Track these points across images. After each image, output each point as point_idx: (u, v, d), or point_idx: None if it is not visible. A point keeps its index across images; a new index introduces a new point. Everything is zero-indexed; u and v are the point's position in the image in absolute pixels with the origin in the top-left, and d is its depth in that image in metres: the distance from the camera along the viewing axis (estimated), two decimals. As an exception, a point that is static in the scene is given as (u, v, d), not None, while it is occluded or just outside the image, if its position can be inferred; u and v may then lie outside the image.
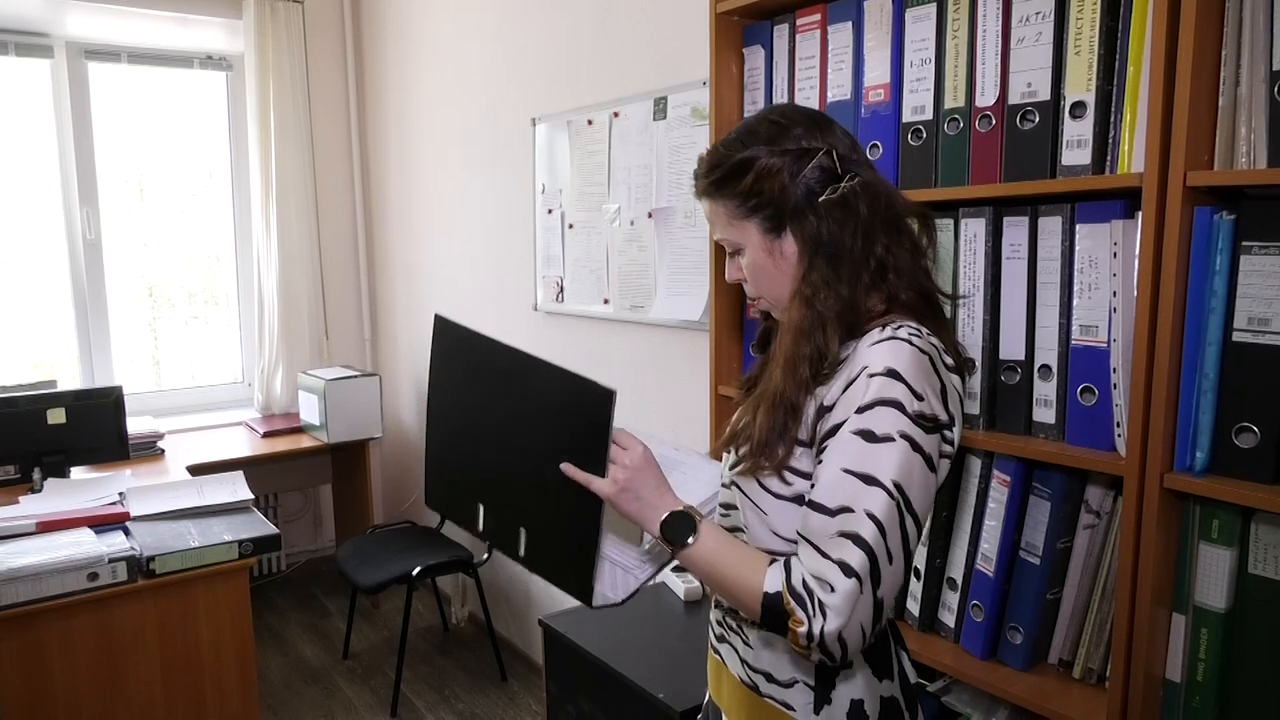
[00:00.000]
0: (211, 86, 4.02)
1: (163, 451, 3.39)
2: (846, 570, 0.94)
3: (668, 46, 2.42)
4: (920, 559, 1.46)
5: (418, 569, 3.03)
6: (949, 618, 1.43)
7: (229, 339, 4.20)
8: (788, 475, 1.06)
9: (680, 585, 2.39)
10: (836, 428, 1.00)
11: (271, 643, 3.54)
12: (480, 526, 1.25)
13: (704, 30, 1.74)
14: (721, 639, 1.21)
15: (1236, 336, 1.09)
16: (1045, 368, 1.29)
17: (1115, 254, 1.20)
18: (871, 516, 0.95)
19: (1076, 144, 1.24)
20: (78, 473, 3.04)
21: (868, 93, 1.51)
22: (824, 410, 1.02)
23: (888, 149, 1.48)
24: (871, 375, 0.99)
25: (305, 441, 3.69)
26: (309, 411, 3.72)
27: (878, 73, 1.49)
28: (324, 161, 4.15)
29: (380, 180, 4.16)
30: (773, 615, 0.98)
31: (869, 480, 0.96)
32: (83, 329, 3.79)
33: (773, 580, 0.99)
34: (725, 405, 1.77)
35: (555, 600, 3.14)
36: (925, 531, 1.34)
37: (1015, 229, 1.31)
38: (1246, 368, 1.08)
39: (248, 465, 3.14)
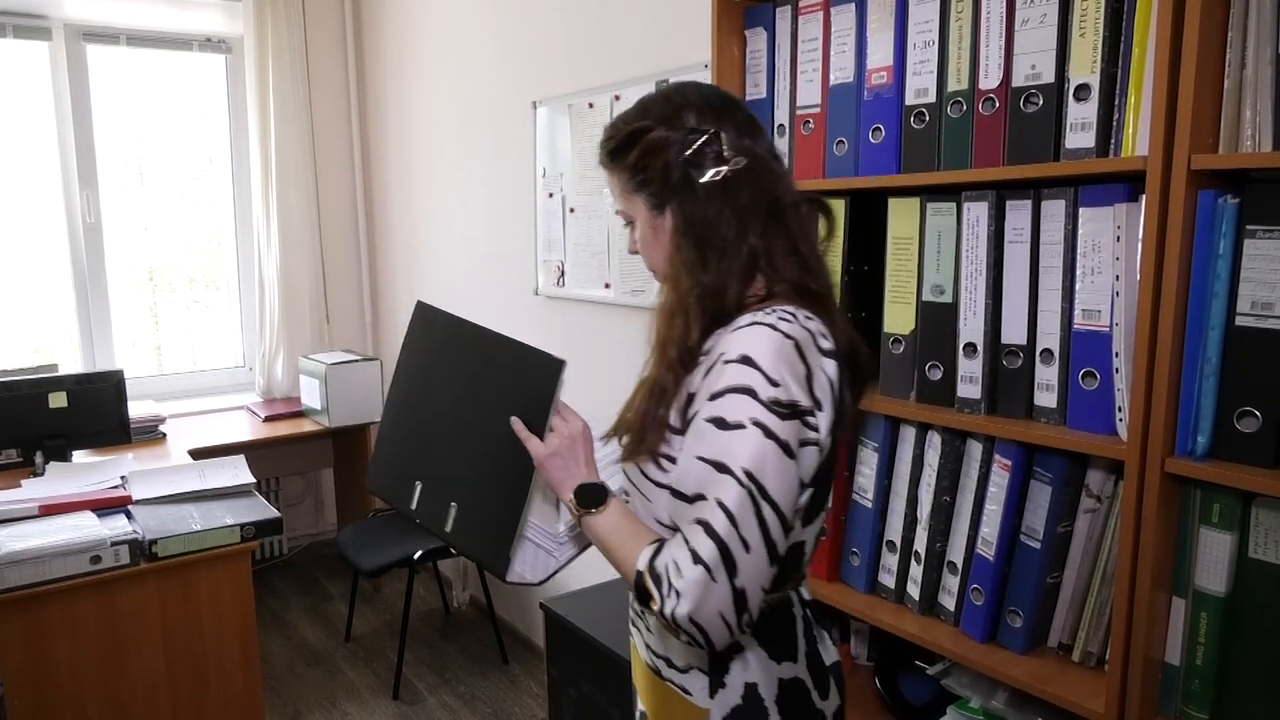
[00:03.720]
0: (211, 69, 4.00)
1: (164, 435, 3.40)
2: (695, 558, 0.95)
3: (669, 29, 2.40)
4: (920, 543, 1.47)
5: (419, 552, 3.04)
6: (949, 601, 1.44)
7: (230, 323, 4.20)
8: (663, 462, 1.06)
9: (681, 569, 2.39)
10: (695, 415, 1.00)
11: (274, 626, 3.56)
12: (413, 504, 1.27)
13: (706, 12, 1.73)
14: (633, 623, 1.23)
15: (1239, 321, 1.08)
16: (1047, 352, 1.29)
17: (1118, 238, 1.20)
18: (722, 505, 0.95)
19: (1080, 127, 1.24)
20: (79, 456, 3.04)
21: (870, 75, 1.50)
22: (690, 398, 1.02)
23: (890, 132, 1.47)
24: (726, 362, 0.99)
25: (306, 425, 3.69)
26: (310, 396, 3.72)
27: (881, 55, 1.48)
28: (324, 145, 4.14)
29: (380, 164, 4.14)
30: (640, 593, 1.00)
31: (720, 468, 0.96)
32: (83, 313, 3.79)
33: (643, 559, 1.00)
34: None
35: (557, 584, 3.14)
36: (929, 518, 1.42)
37: (1018, 212, 1.31)
38: (1249, 352, 1.08)
39: (249, 449, 3.15)
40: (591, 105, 2.68)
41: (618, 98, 2.58)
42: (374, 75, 4.10)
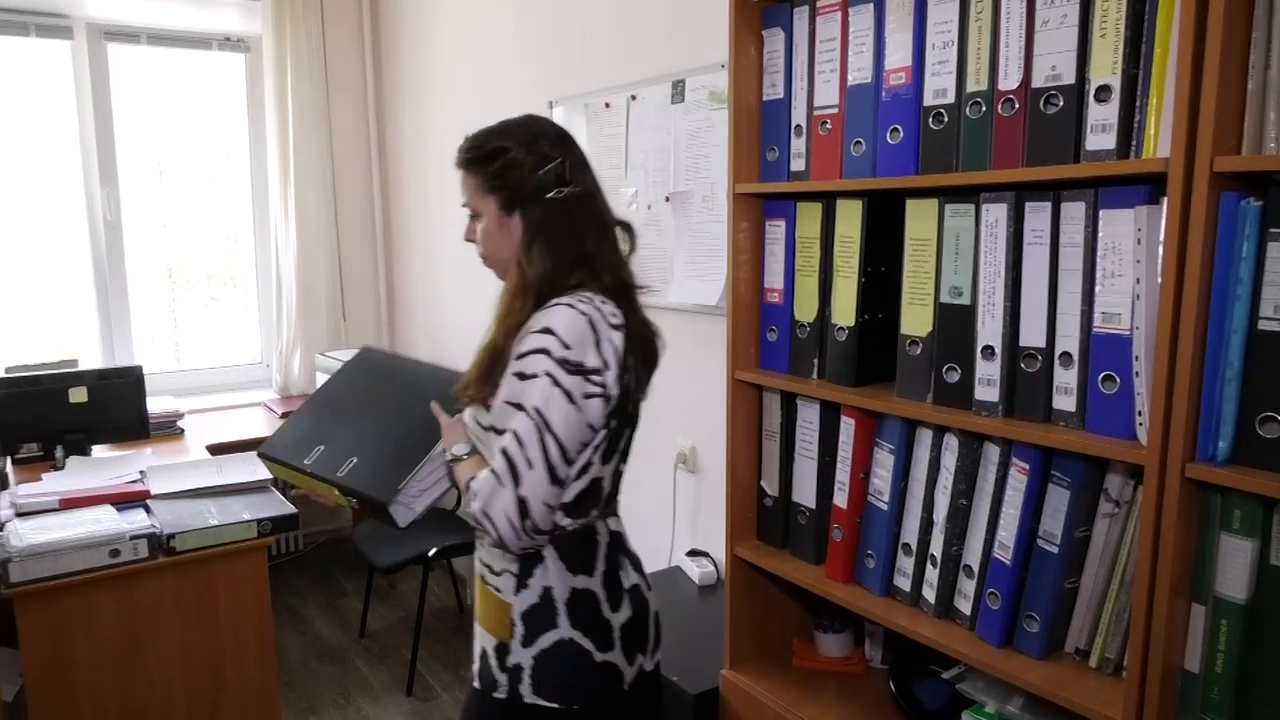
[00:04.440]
0: (230, 68, 4.03)
1: (182, 431, 3.43)
2: (491, 471, 1.27)
3: (686, 29, 2.40)
4: (937, 546, 1.46)
5: (434, 550, 3.05)
6: (965, 605, 1.43)
7: (247, 320, 4.23)
8: (491, 404, 1.34)
9: (695, 570, 2.40)
10: (507, 371, 1.30)
11: (289, 621, 3.58)
12: (308, 460, 1.55)
13: (723, 12, 1.72)
14: (478, 542, 1.50)
15: (1262, 325, 1.07)
16: (1066, 355, 1.28)
17: (1139, 240, 1.18)
18: (514, 433, 1.26)
19: (1101, 128, 1.22)
20: (99, 451, 3.07)
21: (889, 76, 1.49)
22: (511, 359, 1.31)
23: (908, 133, 1.46)
24: (532, 331, 1.28)
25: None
26: (326, 393, 3.73)
27: (899, 55, 1.47)
28: (341, 144, 4.16)
29: (397, 163, 4.16)
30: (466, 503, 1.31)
31: (517, 407, 1.27)
32: (103, 309, 3.82)
33: (467, 477, 1.34)
34: (743, 391, 1.76)
35: (570, 582, 3.16)
36: (946, 521, 1.43)
37: (1037, 214, 1.30)
38: (1271, 357, 1.07)
39: (266, 446, 3.17)
40: (608, 105, 2.68)
41: (634, 97, 2.58)
42: (391, 75, 4.12)
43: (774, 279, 1.72)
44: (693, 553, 2.48)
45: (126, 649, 2.21)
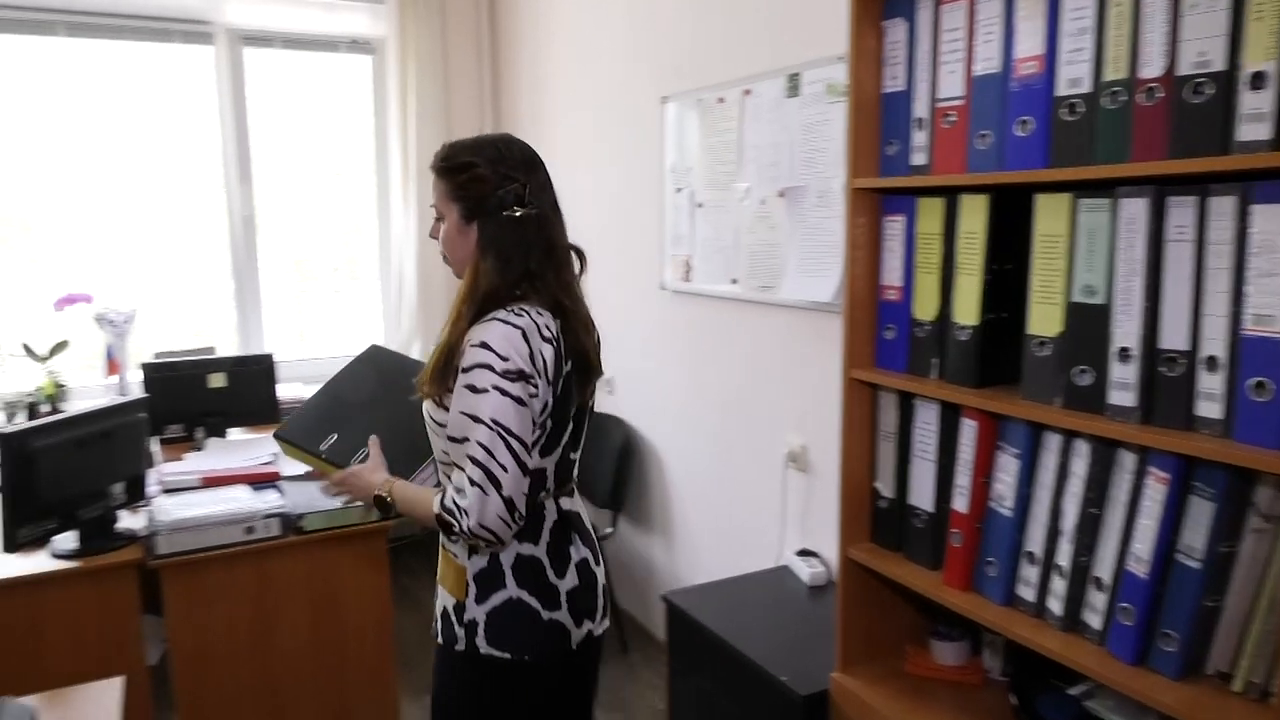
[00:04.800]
0: (357, 69, 4.20)
1: (310, 417, 3.59)
2: (472, 483, 1.40)
3: (802, 21, 2.37)
4: (1064, 556, 1.40)
5: (543, 539, 3.11)
6: (1095, 619, 1.37)
7: (369, 312, 4.40)
8: (443, 404, 1.48)
9: (805, 570, 2.37)
10: (456, 381, 1.43)
11: (405, 602, 3.71)
12: (323, 446, 1.71)
13: (840, 3, 1.69)
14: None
15: None
16: (1211, 359, 1.20)
17: (1297, 237, 1.10)
18: (480, 444, 1.40)
19: (1255, 118, 1.14)
20: (234, 433, 3.26)
21: (1018, 65, 1.43)
22: (458, 367, 1.44)
23: (1039, 124, 1.40)
24: (471, 346, 1.42)
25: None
26: (443, 383, 3.85)
27: (1030, 44, 1.41)
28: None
29: (512, 159, 4.24)
30: (443, 526, 1.47)
31: (475, 419, 1.40)
32: (240, 300, 4.05)
33: (436, 505, 1.46)
34: (858, 390, 1.73)
35: (678, 576, 3.17)
36: (1075, 531, 1.37)
37: (1181, 210, 1.22)
38: None
39: (386, 433, 3.29)
40: (722, 100, 2.67)
41: (748, 92, 2.56)
42: (507, 74, 4.21)
43: (892, 276, 1.68)
44: (802, 552, 2.46)
45: (259, 621, 2.34)
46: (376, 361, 1.93)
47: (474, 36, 4.25)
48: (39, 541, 2.19)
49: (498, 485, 1.40)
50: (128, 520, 2.38)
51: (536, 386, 1.44)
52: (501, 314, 1.44)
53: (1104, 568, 1.35)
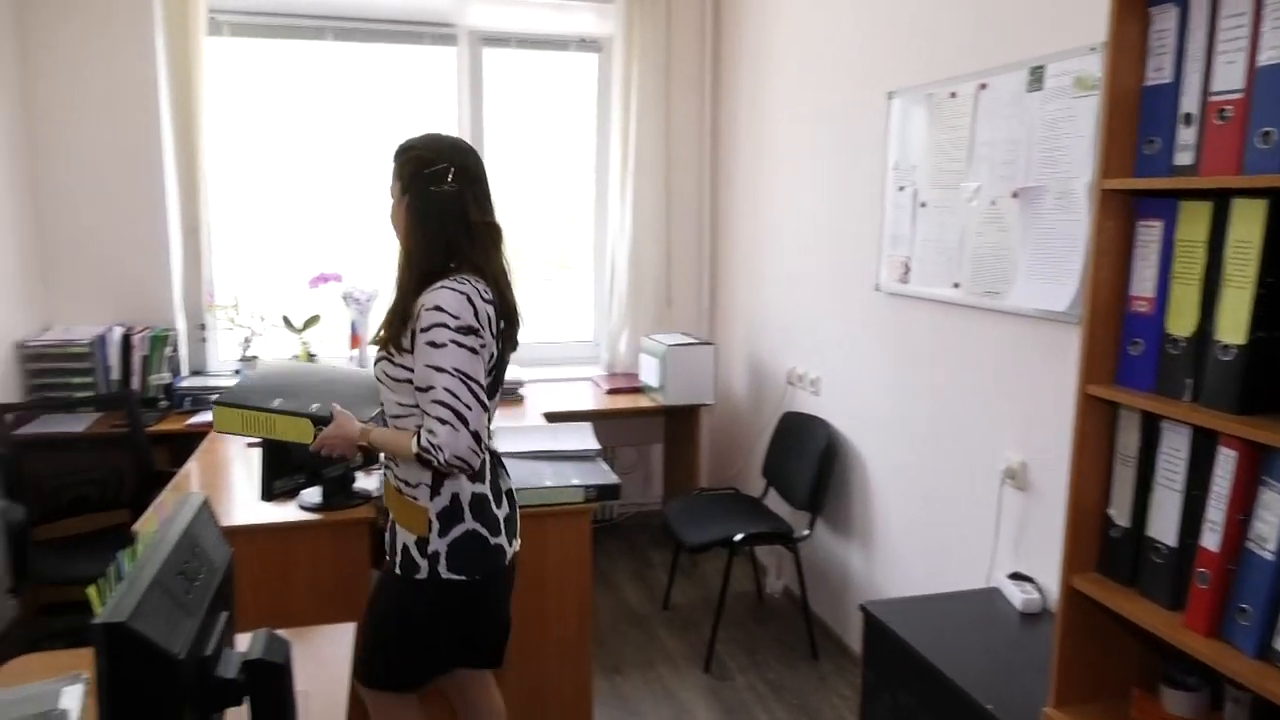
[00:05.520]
0: (583, 67, 4.36)
1: (523, 398, 3.79)
2: (441, 421, 1.71)
3: (1048, 10, 2.21)
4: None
5: (740, 535, 3.12)
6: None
7: (579, 301, 4.57)
8: (397, 363, 1.80)
9: (1018, 595, 2.24)
10: (415, 340, 1.75)
11: (601, 583, 3.84)
12: (273, 404, 2.06)
13: (1102, -11, 1.56)
14: (386, 466, 1.97)
15: None
16: None
17: None
18: (445, 389, 1.72)
19: None
20: (457, 410, 3.47)
21: (1315, 54, 1.27)
22: (412, 332, 1.76)
23: (1339, 121, 1.23)
24: (426, 310, 1.73)
25: (643, 401, 3.93)
26: (649, 373, 3.95)
27: (1332, 29, 1.24)
28: (677, 138, 4.34)
29: (729, 157, 4.27)
30: (423, 462, 1.76)
31: (439, 369, 1.72)
32: (466, 285, 4.32)
33: (414, 445, 1.76)
34: (1095, 408, 1.60)
35: (875, 586, 3.08)
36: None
37: None
38: None
39: (592, 417, 3.41)
40: (954, 95, 2.55)
41: (984, 86, 2.43)
42: (728, 72, 4.23)
43: (1143, 285, 1.54)
44: (1015, 576, 2.31)
45: (471, 586, 2.49)
46: (268, 367, 2.39)
47: (698, 34, 4.31)
48: (289, 494, 2.44)
49: (465, 421, 1.71)
50: (363, 481, 2.60)
51: (484, 339, 1.77)
52: (447, 282, 1.75)
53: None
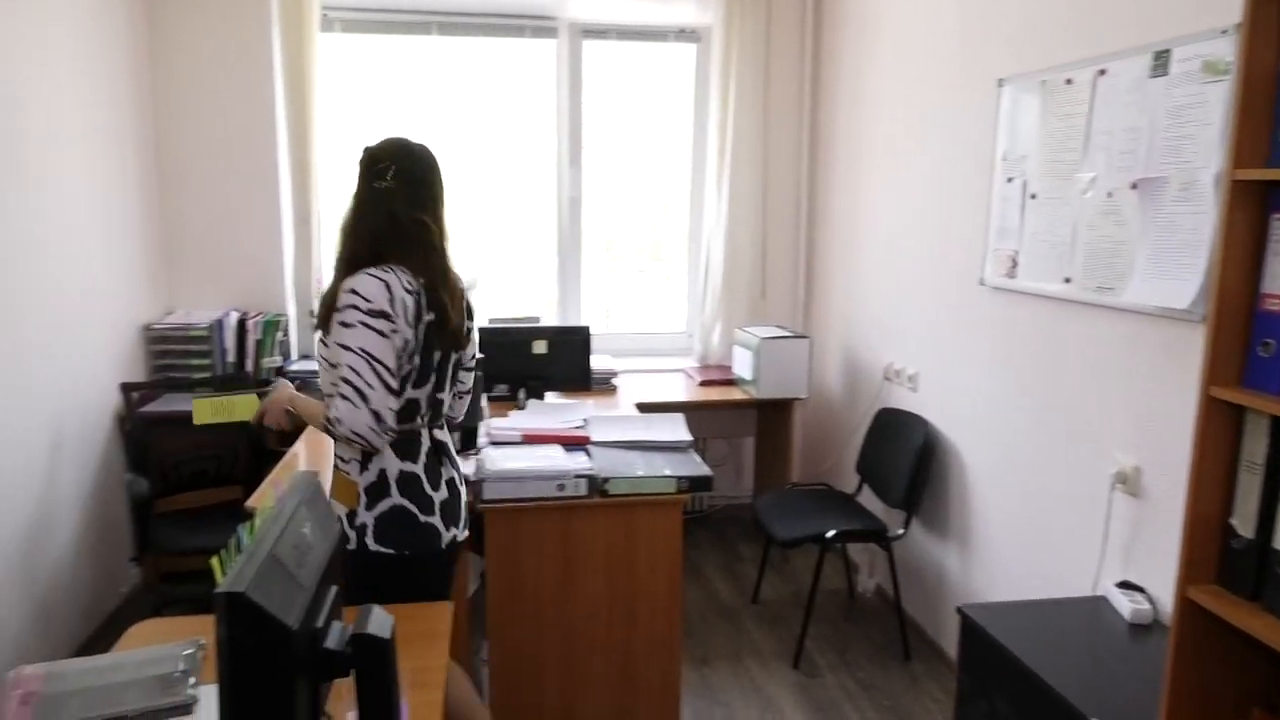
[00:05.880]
0: (681, 58, 4.35)
1: (616, 387, 3.83)
2: (343, 397, 1.81)
3: (1178, -10, 2.10)
4: None
5: (833, 532, 3.07)
6: None
7: (671, 292, 4.58)
8: (328, 344, 1.90)
9: (1126, 605, 2.14)
10: (334, 321, 1.86)
11: (690, 574, 3.85)
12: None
13: (1238, -32, 1.47)
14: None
15: None
16: None
17: None
18: (350, 367, 1.81)
19: None
20: (550, 397, 3.54)
21: None
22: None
23: None
24: (344, 292, 1.84)
25: (736, 394, 3.91)
26: (742, 366, 3.93)
27: None
28: (775, 129, 4.30)
29: (827, 149, 4.20)
30: (327, 433, 1.87)
31: (345, 348, 1.82)
32: (561, 274, 4.38)
33: (323, 415, 1.87)
34: (1219, 411, 1.51)
35: (972, 589, 3.00)
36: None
37: None
38: None
39: (684, 409, 3.41)
40: (1069, 81, 2.45)
41: (1102, 72, 2.32)
42: (829, 61, 4.15)
43: (1275, 283, 1.45)
44: (1124, 585, 2.21)
45: (562, 571, 2.53)
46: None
47: (798, 23, 4.24)
48: (392, 475, 2.52)
49: (366, 400, 1.80)
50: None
51: (396, 325, 1.85)
52: (370, 270, 1.86)
53: None
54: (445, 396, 2.05)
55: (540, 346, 3.57)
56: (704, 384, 4.03)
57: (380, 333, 1.82)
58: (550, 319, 4.37)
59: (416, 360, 1.92)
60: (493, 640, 2.54)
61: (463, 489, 2.08)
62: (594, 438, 2.79)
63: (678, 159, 4.45)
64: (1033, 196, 2.61)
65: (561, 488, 2.48)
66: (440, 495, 2.00)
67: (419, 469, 1.98)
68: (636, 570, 2.56)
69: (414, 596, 1.95)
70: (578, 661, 2.58)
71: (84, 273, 3.21)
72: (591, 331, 3.68)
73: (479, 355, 2.27)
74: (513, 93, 4.23)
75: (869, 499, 3.47)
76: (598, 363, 3.78)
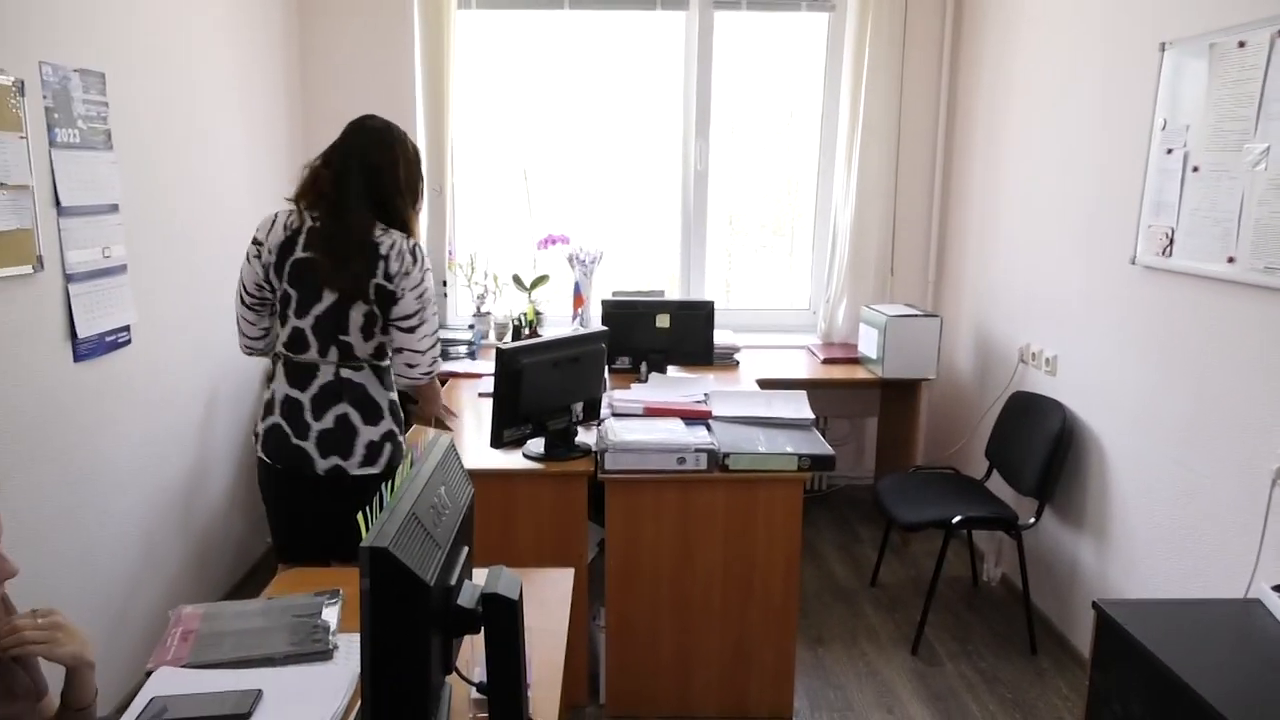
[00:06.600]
0: (812, 27, 4.24)
1: (737, 363, 3.80)
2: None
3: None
4: None
5: (959, 518, 2.98)
6: None
7: (793, 268, 4.50)
8: None
9: (1285, 609, 1.99)
10: None
11: (806, 553, 3.81)
12: None
13: None
14: None
15: None
16: None
17: None
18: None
19: None
20: (672, 371, 3.56)
21: None
22: None
23: None
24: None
25: (860, 373, 3.83)
26: (867, 344, 3.84)
27: None
28: (910, 102, 4.14)
29: (966, 122, 4.02)
30: None
31: None
32: (685, 248, 4.37)
33: None
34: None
35: (1108, 584, 2.85)
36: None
37: None
38: None
39: (806, 386, 3.36)
40: (1242, 44, 2.25)
41: (1281, 34, 2.13)
42: (970, 30, 3.96)
43: None
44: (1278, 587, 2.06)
45: (681, 543, 2.55)
46: None
47: (938, -9, 4.07)
48: (516, 443, 2.59)
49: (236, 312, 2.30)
50: (584, 436, 2.71)
51: (259, 251, 2.19)
52: (281, 209, 2.22)
53: None
54: (305, 326, 2.18)
55: (663, 320, 3.58)
56: (827, 361, 3.96)
57: (247, 257, 2.21)
58: (672, 293, 4.37)
59: (273, 289, 2.21)
60: (609, 607, 2.59)
61: (280, 408, 2.23)
62: (715, 412, 2.79)
63: (805, 133, 4.35)
64: (1194, 169, 2.43)
65: (682, 461, 2.50)
66: (266, 423, 2.25)
67: (271, 391, 2.28)
68: (754, 547, 2.56)
69: (272, 505, 2.32)
70: (692, 634, 2.60)
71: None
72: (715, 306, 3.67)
73: (414, 315, 2.24)
74: (641, 66, 4.23)
75: (998, 485, 3.35)
76: (720, 338, 3.77)
